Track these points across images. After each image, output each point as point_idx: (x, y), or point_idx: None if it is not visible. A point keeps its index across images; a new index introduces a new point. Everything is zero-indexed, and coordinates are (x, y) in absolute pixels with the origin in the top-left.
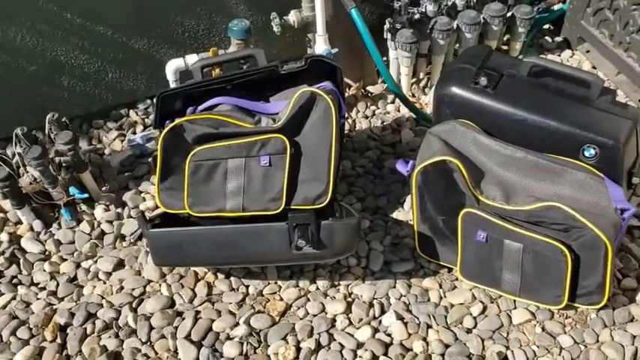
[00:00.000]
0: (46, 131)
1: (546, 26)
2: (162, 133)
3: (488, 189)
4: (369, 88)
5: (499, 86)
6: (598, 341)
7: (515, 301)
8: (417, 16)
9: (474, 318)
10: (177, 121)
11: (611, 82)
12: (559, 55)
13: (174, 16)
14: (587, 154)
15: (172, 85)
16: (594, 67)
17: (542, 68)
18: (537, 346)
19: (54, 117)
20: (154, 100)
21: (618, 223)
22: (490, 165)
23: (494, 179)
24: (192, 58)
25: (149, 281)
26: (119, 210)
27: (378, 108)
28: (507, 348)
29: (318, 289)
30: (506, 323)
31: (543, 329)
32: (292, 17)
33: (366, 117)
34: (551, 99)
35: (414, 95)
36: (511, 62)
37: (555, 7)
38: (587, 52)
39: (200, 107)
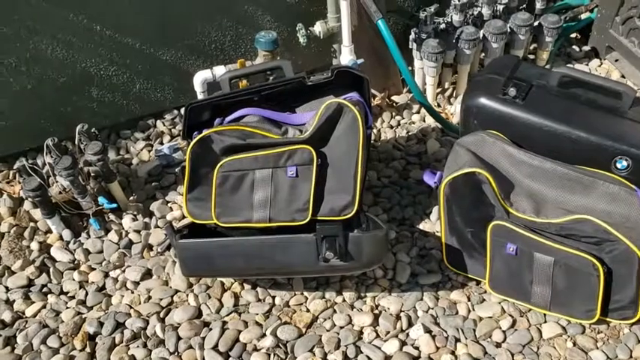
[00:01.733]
0: (76, 142)
1: (573, 35)
2: (191, 144)
3: (518, 201)
4: (393, 97)
5: (528, 97)
6: (631, 357)
7: (545, 315)
8: (442, 26)
9: (504, 332)
10: (205, 132)
11: None
12: (587, 65)
13: (201, 27)
14: (619, 165)
15: (200, 96)
16: (623, 77)
17: (572, 79)
18: None
19: (84, 128)
20: (183, 111)
21: None
22: (520, 177)
23: (524, 191)
24: (219, 70)
25: (176, 291)
26: (147, 220)
27: (403, 118)
28: None
29: (344, 300)
30: (536, 337)
31: (575, 344)
32: (318, 28)
33: (391, 127)
34: (582, 110)
35: (439, 105)
36: (540, 72)
37: (583, 16)
38: (616, 61)
39: (228, 118)
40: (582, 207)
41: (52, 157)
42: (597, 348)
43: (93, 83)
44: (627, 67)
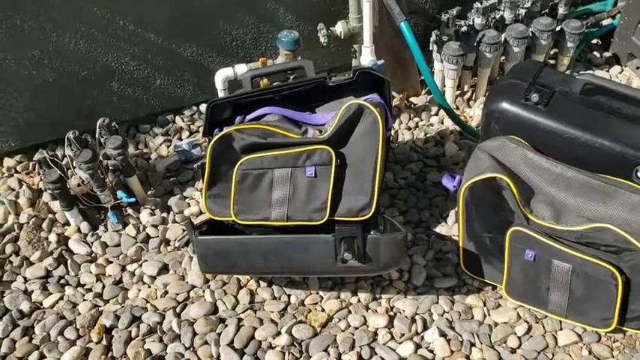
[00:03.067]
0: (97, 135)
1: (595, 41)
2: (212, 142)
3: (538, 208)
4: (412, 99)
5: (551, 103)
6: None
7: (561, 322)
8: (464, 29)
9: (519, 338)
10: (226, 130)
11: None
12: (607, 71)
13: (223, 25)
14: None
15: (220, 94)
16: None
17: (595, 86)
18: None
19: (105, 122)
20: (202, 107)
21: None
22: (540, 183)
23: (544, 198)
24: (241, 68)
25: (193, 287)
26: (164, 214)
27: (422, 120)
28: None
29: (359, 301)
30: (551, 344)
31: (590, 352)
32: (339, 28)
33: (409, 129)
34: (605, 118)
35: (458, 108)
36: (563, 79)
37: (604, 22)
38: (638, 68)
39: (248, 117)
40: (603, 215)
41: (72, 149)
42: (613, 357)
43: (114, 77)
44: None
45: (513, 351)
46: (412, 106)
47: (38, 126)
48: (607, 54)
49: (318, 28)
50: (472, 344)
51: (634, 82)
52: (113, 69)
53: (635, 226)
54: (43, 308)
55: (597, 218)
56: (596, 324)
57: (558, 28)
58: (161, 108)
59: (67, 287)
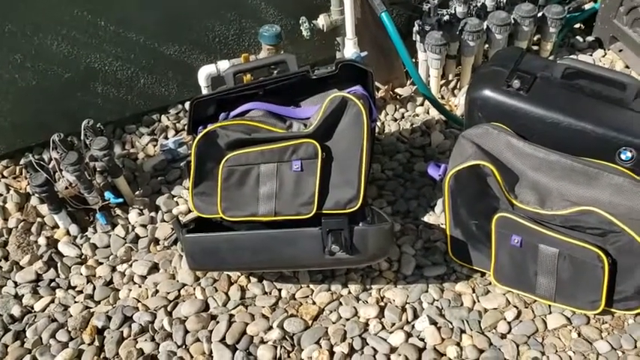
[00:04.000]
0: (82, 137)
1: (577, 26)
2: (196, 140)
3: (522, 193)
4: (397, 90)
5: (532, 89)
6: (636, 347)
7: (550, 306)
8: (446, 18)
9: (509, 323)
10: (210, 127)
11: None
12: (591, 55)
13: (205, 22)
14: (623, 157)
15: (204, 91)
16: (627, 67)
17: (576, 70)
18: (573, 352)
19: (89, 123)
20: (187, 105)
21: None
22: (524, 169)
23: (528, 183)
24: (224, 64)
25: (183, 285)
26: (153, 214)
27: (407, 110)
28: (543, 354)
29: (350, 293)
30: (541, 328)
31: (579, 335)
32: (321, 21)
33: (395, 120)
34: (586, 101)
35: (443, 97)
36: (544, 64)
37: (586, 7)
38: (620, 51)
39: (232, 113)
40: (587, 198)
41: (58, 152)
42: (602, 338)
43: (97, 79)
44: (631, 57)
45: (503, 336)
46: (397, 97)
47: (23, 130)
48: (590, 38)
49: (300, 21)
50: (462, 331)
51: (617, 65)
52: (96, 70)
53: (619, 207)
54: (35, 312)
55: (582, 201)
56: (585, 306)
57: (540, 14)
58: (146, 107)
59: (57, 290)
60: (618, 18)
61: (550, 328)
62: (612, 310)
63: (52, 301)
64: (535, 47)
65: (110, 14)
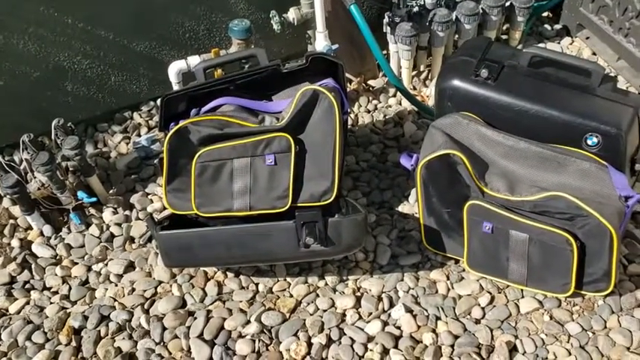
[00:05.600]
0: (53, 137)
1: (545, 14)
2: (168, 136)
3: (492, 180)
4: (370, 82)
5: (500, 78)
6: (606, 327)
7: (522, 290)
8: (415, 9)
9: (482, 308)
10: (181, 123)
11: (611, 68)
12: (559, 43)
13: (174, 17)
14: (589, 142)
15: (175, 87)
16: (594, 54)
17: (542, 58)
18: (546, 334)
19: (60, 122)
20: (159, 102)
21: (622, 210)
22: (494, 157)
23: (498, 171)
24: (194, 60)
25: (160, 282)
26: (127, 212)
27: (380, 102)
28: (516, 337)
29: (327, 284)
30: (514, 313)
31: (551, 317)
32: (291, 14)
33: (368, 111)
34: (553, 89)
35: (415, 88)
36: (511, 53)
37: None
38: (587, 38)
39: (204, 109)
40: (555, 184)
41: (28, 153)
42: (573, 320)
43: (67, 77)
44: (598, 44)
45: (477, 322)
46: (370, 88)
47: None
48: (557, 26)
49: (270, 15)
50: (437, 318)
51: (584, 53)
52: (65, 68)
53: (586, 192)
54: (9, 314)
55: (550, 187)
56: (556, 290)
57: (508, 4)
58: (117, 105)
59: (32, 292)
60: (584, 6)
61: (523, 312)
62: (582, 292)
63: (27, 303)
64: (504, 36)
65: (78, 11)
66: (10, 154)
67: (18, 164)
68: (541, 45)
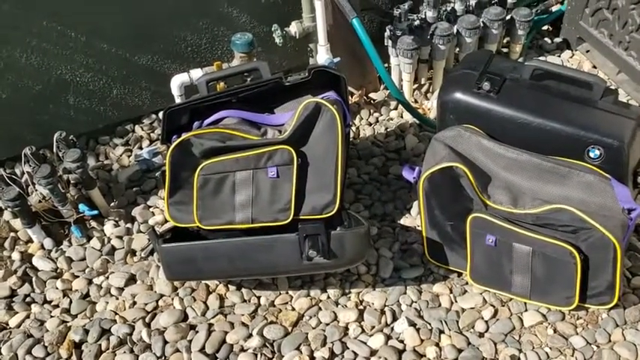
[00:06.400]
0: (54, 150)
1: (545, 27)
2: (170, 149)
3: (495, 193)
4: (371, 95)
5: (502, 90)
6: (610, 341)
7: (525, 303)
8: (416, 23)
9: (486, 322)
10: (184, 136)
11: (612, 81)
12: (559, 56)
13: (177, 30)
14: (592, 155)
15: (177, 100)
16: (594, 67)
17: (544, 71)
18: (550, 348)
19: (61, 135)
20: (161, 115)
21: (626, 223)
22: (496, 169)
23: (500, 183)
24: (196, 73)
25: (161, 295)
26: (129, 225)
27: (381, 115)
28: (520, 351)
29: (329, 297)
30: (517, 326)
31: (555, 331)
32: (293, 28)
33: (370, 124)
34: (555, 101)
35: (416, 101)
36: (513, 66)
37: (554, 9)
38: (587, 51)
39: (206, 121)
40: (558, 197)
41: (30, 166)
42: (577, 334)
43: (69, 90)
44: (598, 57)
45: (481, 335)
46: (372, 101)
47: None
48: (558, 39)
49: (272, 29)
50: (441, 331)
51: (585, 66)
52: (68, 82)
53: (589, 205)
54: (10, 328)
55: (553, 199)
56: (559, 303)
57: (508, 17)
58: (119, 118)
59: (33, 305)
60: (584, 19)
61: (526, 326)
62: (586, 305)
63: (28, 317)
64: (505, 50)
65: (80, 24)
66: (12, 167)
67: (19, 177)
68: (542, 58)
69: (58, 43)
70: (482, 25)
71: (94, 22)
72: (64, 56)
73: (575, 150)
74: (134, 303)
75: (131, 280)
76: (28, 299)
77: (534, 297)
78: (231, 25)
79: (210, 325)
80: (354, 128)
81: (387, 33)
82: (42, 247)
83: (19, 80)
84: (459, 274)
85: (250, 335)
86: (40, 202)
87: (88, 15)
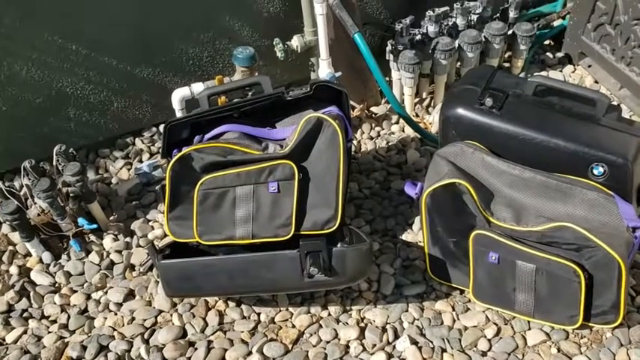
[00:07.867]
0: (54, 163)
1: (547, 42)
2: (171, 163)
3: (498, 210)
4: (372, 109)
5: (505, 106)
6: None
7: (529, 322)
8: (418, 37)
9: (489, 340)
10: (185, 150)
11: (614, 96)
12: (561, 71)
13: (178, 44)
14: (595, 172)
15: (178, 114)
16: (596, 82)
17: (547, 87)
18: None
19: (61, 149)
20: (161, 128)
21: (631, 241)
22: (499, 186)
23: (504, 200)
24: (197, 87)
25: (160, 311)
26: (128, 239)
27: (383, 129)
28: None
29: (330, 315)
30: (521, 345)
31: (559, 350)
32: (295, 42)
33: (371, 138)
34: (558, 118)
35: (417, 115)
36: (516, 82)
37: (555, 24)
38: (589, 66)
39: (207, 135)
40: (562, 214)
41: (29, 179)
42: (581, 353)
43: (70, 103)
44: (600, 72)
45: (484, 354)
46: (373, 115)
47: None
48: (559, 54)
49: (274, 43)
50: (443, 350)
51: (586, 81)
52: (68, 94)
53: (593, 222)
54: (6, 344)
55: (557, 217)
56: (563, 321)
57: (510, 32)
58: (120, 131)
59: (30, 320)
60: (586, 34)
61: (530, 345)
62: (590, 324)
63: (25, 332)
64: (506, 64)
65: (81, 38)
66: (11, 180)
67: (18, 190)
68: (543, 73)
69: (59, 56)
70: (483, 39)
71: (95, 35)
72: (65, 69)
73: (579, 167)
74: (133, 319)
75: (130, 295)
76: (25, 314)
77: (538, 315)
78: (233, 39)
79: (210, 342)
80: (355, 142)
81: (389, 47)
82: (40, 260)
83: (19, 93)
84: (462, 292)
85: (250, 353)
86: (38, 215)
87: (89, 28)
